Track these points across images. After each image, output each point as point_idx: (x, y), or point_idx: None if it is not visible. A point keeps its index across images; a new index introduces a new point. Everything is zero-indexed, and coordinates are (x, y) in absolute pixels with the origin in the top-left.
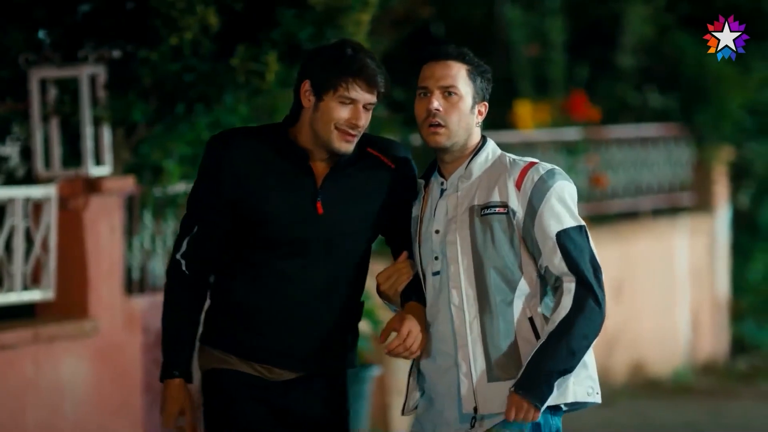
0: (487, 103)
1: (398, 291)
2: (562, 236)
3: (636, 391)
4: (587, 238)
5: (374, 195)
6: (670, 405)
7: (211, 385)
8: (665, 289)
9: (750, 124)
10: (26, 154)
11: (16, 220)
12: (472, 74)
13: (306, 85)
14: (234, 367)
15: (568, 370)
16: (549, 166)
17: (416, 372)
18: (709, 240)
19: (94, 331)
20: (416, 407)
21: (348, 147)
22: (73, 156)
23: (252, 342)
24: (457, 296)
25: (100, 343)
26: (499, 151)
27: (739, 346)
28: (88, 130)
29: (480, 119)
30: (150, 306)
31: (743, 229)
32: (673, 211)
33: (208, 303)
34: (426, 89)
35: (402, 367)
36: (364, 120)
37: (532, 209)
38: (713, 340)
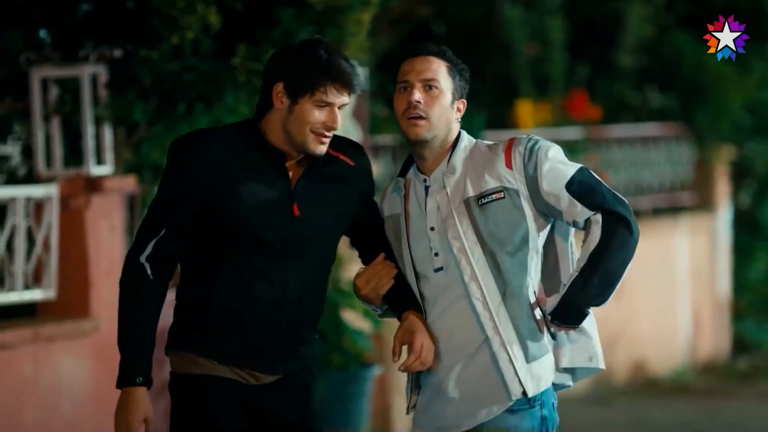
0: (465, 101)
1: (380, 294)
2: (571, 186)
3: (636, 391)
4: (592, 174)
5: (342, 195)
6: (670, 404)
7: (187, 389)
8: (666, 288)
9: (750, 124)
10: (27, 153)
11: (18, 220)
12: (452, 71)
13: (279, 87)
14: (213, 372)
15: (602, 302)
16: (526, 136)
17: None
18: (710, 239)
19: (95, 330)
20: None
21: (323, 149)
22: (74, 155)
23: (234, 345)
24: (477, 288)
25: (101, 342)
26: (473, 141)
27: (739, 345)
28: (89, 130)
29: (459, 116)
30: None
31: (744, 228)
32: (673, 210)
33: (177, 307)
34: (406, 83)
35: None
36: (340, 122)
37: (533, 179)
38: (714, 340)
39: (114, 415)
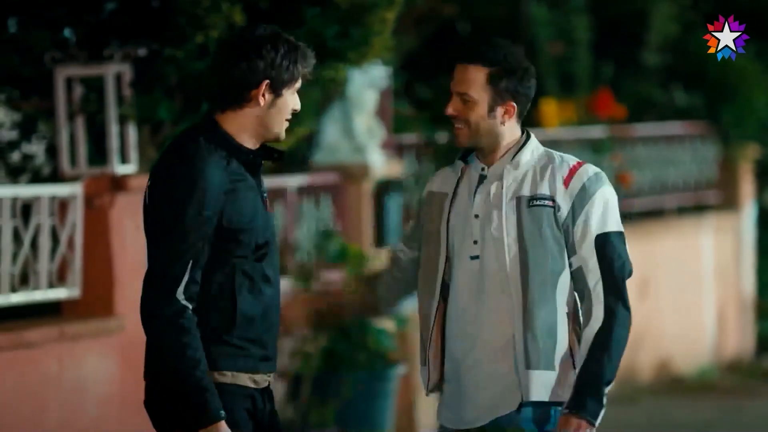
0: (514, 102)
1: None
2: (602, 239)
3: (661, 390)
4: (624, 244)
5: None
6: (694, 403)
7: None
8: (690, 287)
9: None
10: (52, 152)
11: (42, 219)
12: (495, 76)
13: (264, 86)
14: (232, 381)
15: (612, 379)
16: (597, 169)
17: (439, 352)
18: (735, 238)
19: (120, 329)
20: (438, 390)
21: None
22: (98, 154)
23: (255, 354)
24: (509, 285)
25: (126, 341)
26: (542, 148)
27: (764, 344)
28: (113, 129)
29: (507, 118)
30: None
31: None
32: (698, 209)
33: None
34: (450, 91)
35: None
36: None
37: (576, 209)
38: (738, 339)
39: None
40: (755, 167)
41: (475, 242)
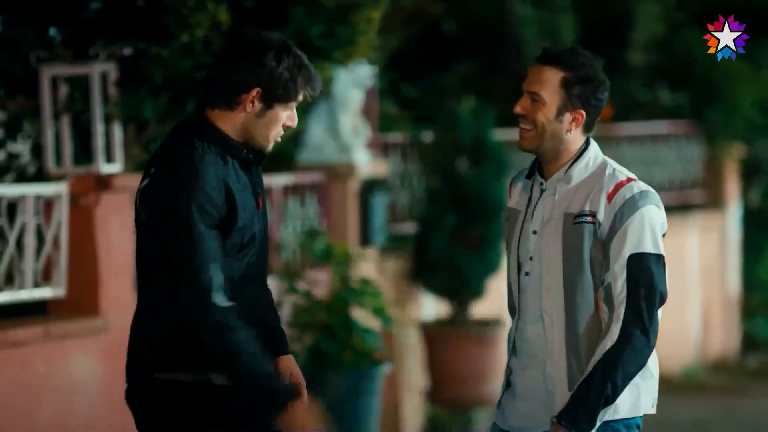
0: (584, 111)
1: None
2: (635, 259)
3: None
4: (661, 268)
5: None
6: (680, 402)
7: (189, 393)
8: (676, 286)
9: (761, 122)
10: (37, 151)
11: (27, 218)
12: (569, 81)
13: (254, 93)
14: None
15: (611, 401)
16: (645, 186)
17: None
18: (720, 237)
19: (105, 328)
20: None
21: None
22: (84, 153)
23: None
24: (547, 302)
25: (111, 340)
26: (601, 158)
27: (750, 343)
28: (99, 128)
29: (574, 126)
30: None
31: (754, 226)
32: (684, 208)
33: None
34: (522, 91)
35: (412, 365)
36: None
37: (616, 225)
38: (724, 338)
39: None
40: (741, 166)
41: (531, 258)
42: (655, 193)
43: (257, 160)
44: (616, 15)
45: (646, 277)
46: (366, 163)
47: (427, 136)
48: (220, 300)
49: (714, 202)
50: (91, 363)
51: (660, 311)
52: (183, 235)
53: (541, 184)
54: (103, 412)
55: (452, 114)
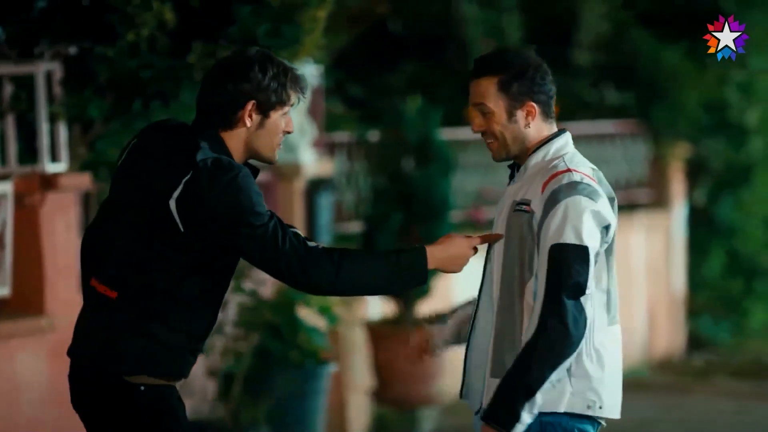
0: (532, 102)
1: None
2: (555, 250)
3: None
4: (582, 260)
5: None
6: (626, 401)
7: (164, 399)
8: (621, 285)
9: (706, 121)
10: None
11: None
12: (504, 82)
13: (250, 106)
14: (171, 383)
15: (532, 394)
16: (577, 177)
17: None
18: (666, 236)
19: (51, 328)
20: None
21: (277, 156)
22: (29, 153)
23: (192, 362)
24: (495, 290)
25: (57, 339)
26: (564, 150)
27: (695, 342)
28: (44, 127)
29: (530, 120)
30: None
31: (700, 225)
32: (629, 207)
33: (155, 332)
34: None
35: (358, 365)
36: None
37: (545, 215)
38: (669, 337)
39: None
40: (686, 166)
41: (489, 246)
42: (592, 185)
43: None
44: (562, 14)
45: (564, 268)
46: (312, 163)
47: (374, 136)
48: (310, 244)
49: (660, 201)
50: (37, 362)
51: (586, 303)
52: (245, 201)
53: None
54: (49, 411)
55: (398, 113)
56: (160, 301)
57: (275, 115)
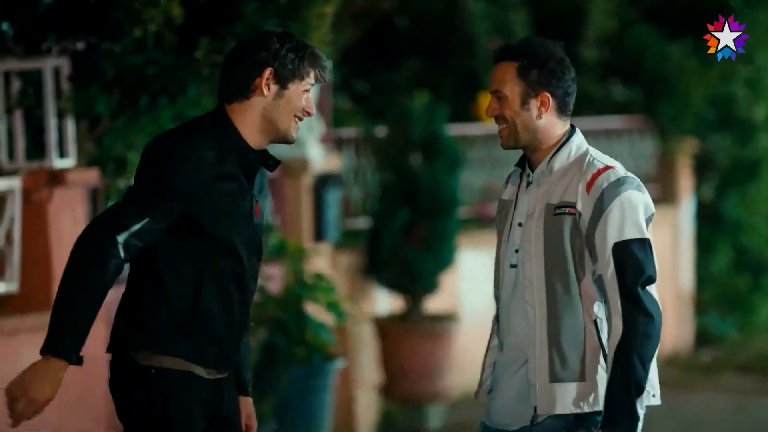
0: (548, 93)
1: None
2: (619, 247)
3: None
4: (647, 252)
5: (262, 192)
6: None
7: (156, 381)
8: None
9: (712, 117)
10: None
11: None
12: (524, 69)
13: (268, 73)
14: (183, 368)
15: (642, 390)
16: (623, 172)
17: (492, 360)
18: (673, 232)
19: None
20: (489, 391)
21: (296, 136)
22: (36, 148)
23: (210, 351)
24: (530, 294)
25: None
26: (584, 147)
27: (702, 338)
28: (51, 123)
29: (543, 111)
30: (113, 298)
31: (707, 221)
32: None
33: (148, 308)
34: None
35: (365, 361)
36: None
37: (597, 215)
38: (676, 333)
39: (26, 379)
40: (693, 161)
41: (516, 251)
42: (635, 177)
43: (270, 167)
44: (568, 10)
45: (632, 264)
46: (319, 158)
47: (381, 131)
48: (120, 240)
49: (667, 197)
50: None
51: (654, 290)
52: (141, 185)
53: (528, 176)
54: (53, 407)
55: (404, 109)
56: (159, 277)
57: (293, 88)
